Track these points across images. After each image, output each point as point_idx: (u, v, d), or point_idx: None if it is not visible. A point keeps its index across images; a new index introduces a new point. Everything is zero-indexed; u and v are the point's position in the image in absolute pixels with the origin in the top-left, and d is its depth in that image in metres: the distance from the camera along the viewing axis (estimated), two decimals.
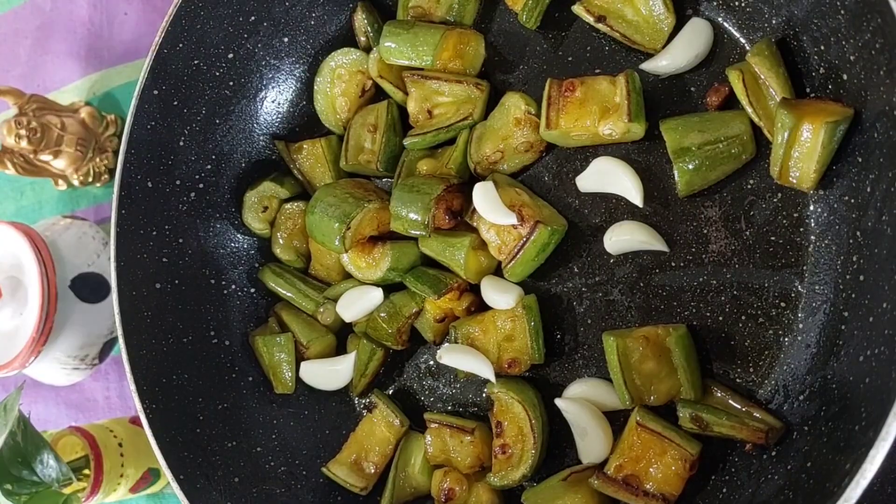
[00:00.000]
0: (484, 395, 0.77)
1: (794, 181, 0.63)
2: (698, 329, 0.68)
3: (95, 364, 0.97)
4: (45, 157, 0.99)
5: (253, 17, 0.82)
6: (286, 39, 0.85)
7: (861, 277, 0.59)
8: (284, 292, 0.83)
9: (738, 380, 0.67)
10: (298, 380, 0.82)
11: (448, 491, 0.72)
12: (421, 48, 0.75)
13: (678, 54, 0.69)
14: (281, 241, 0.85)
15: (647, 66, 0.71)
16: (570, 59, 0.75)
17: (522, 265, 0.72)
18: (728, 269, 0.68)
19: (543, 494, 0.68)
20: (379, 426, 0.78)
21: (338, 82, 0.83)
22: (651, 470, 0.65)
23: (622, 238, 0.70)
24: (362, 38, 0.83)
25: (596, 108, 0.69)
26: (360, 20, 0.82)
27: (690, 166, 0.66)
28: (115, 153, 0.96)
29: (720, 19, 0.70)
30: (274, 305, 0.85)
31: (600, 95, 0.69)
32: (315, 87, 0.84)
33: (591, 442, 0.69)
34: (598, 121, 0.69)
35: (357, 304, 0.79)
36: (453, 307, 0.76)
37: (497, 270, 0.75)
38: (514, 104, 0.74)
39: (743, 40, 0.69)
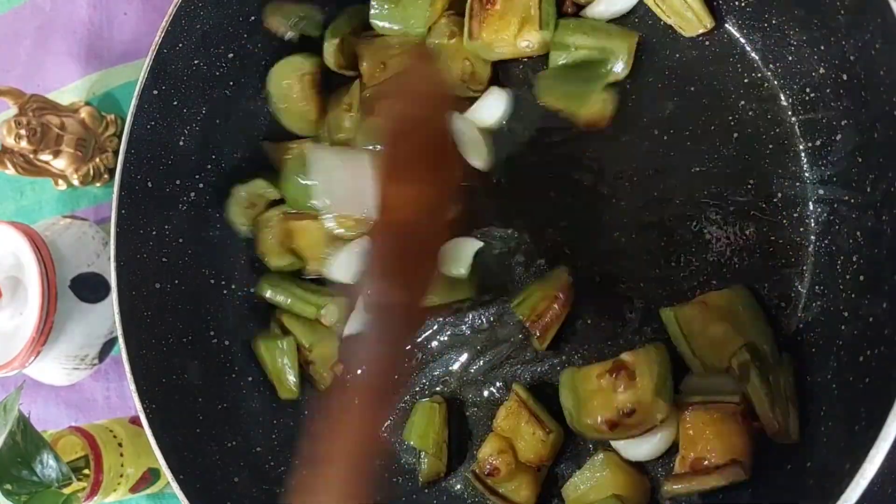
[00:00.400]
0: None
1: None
2: None
3: (95, 364, 0.97)
4: (45, 157, 0.98)
5: (253, 17, 0.82)
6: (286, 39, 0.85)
7: (861, 277, 0.59)
8: (284, 300, 0.83)
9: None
10: (303, 384, 0.81)
11: (493, 469, 0.70)
12: (412, 20, 0.77)
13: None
14: (268, 245, 0.84)
15: (587, 11, 0.73)
16: None
17: None
18: (728, 269, 0.68)
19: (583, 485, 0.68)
20: None
21: (289, 92, 0.83)
22: (710, 445, 0.63)
23: None
24: (291, 34, 0.83)
25: (515, 20, 0.71)
26: (277, 21, 0.82)
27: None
28: (115, 153, 0.96)
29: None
30: (275, 310, 0.85)
31: (519, 7, 0.72)
32: (273, 109, 0.84)
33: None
34: (516, 33, 0.71)
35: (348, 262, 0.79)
36: None
37: None
38: None
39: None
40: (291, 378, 0.81)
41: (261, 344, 0.82)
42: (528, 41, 0.72)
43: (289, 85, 0.83)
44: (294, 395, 0.82)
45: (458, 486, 0.76)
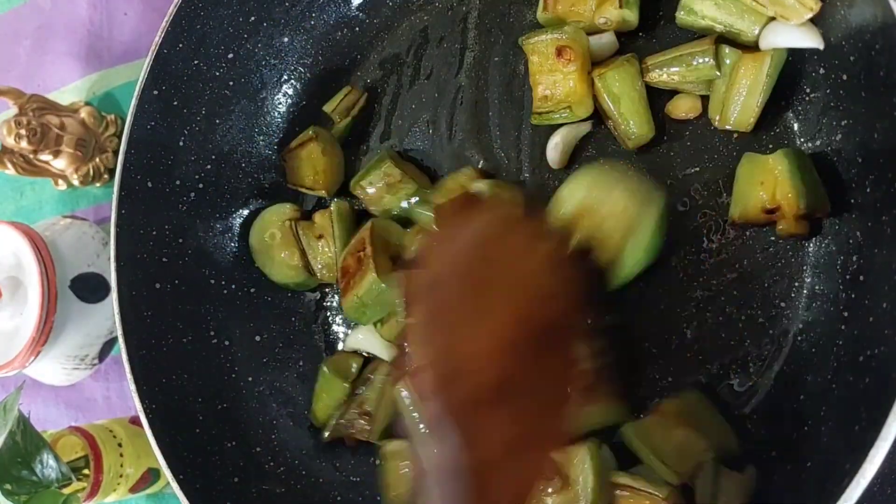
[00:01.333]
0: None
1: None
2: (697, 330, 0.68)
3: (95, 364, 0.97)
4: (45, 157, 0.98)
5: (253, 17, 0.82)
6: (286, 39, 0.85)
7: (861, 277, 0.59)
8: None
9: (737, 380, 0.67)
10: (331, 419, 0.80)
11: None
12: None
13: None
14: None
15: None
16: None
17: None
18: (728, 269, 0.68)
19: None
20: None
21: (272, 242, 0.83)
22: None
23: None
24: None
25: None
26: None
27: None
28: (115, 153, 0.96)
29: None
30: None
31: None
32: (256, 259, 0.84)
33: None
34: (595, 8, 0.69)
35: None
36: None
37: None
38: None
39: None
40: (323, 412, 0.81)
41: (324, 368, 0.81)
42: (606, 18, 0.69)
43: (272, 234, 0.83)
44: (319, 423, 0.81)
45: None
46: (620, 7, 0.68)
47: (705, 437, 0.64)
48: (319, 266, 0.82)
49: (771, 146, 0.67)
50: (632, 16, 0.69)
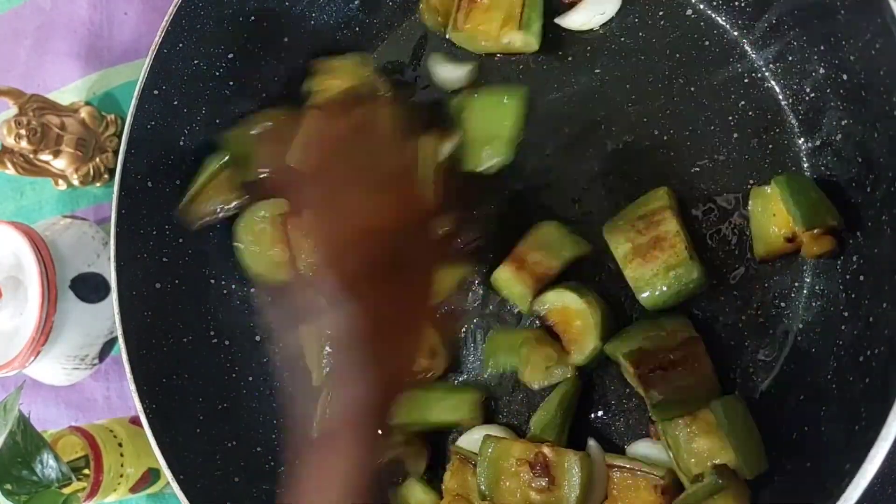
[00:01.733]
0: None
1: None
2: (697, 329, 0.68)
3: (95, 364, 0.97)
4: (45, 157, 0.99)
5: (253, 17, 0.82)
6: (286, 39, 0.85)
7: (861, 277, 0.59)
8: None
9: (738, 380, 0.67)
10: None
11: None
12: None
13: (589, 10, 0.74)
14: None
15: (560, 20, 0.75)
16: None
17: None
18: (728, 270, 0.68)
19: None
20: None
21: (262, 237, 0.82)
22: None
23: None
24: None
25: (498, 16, 0.74)
26: None
27: None
28: (115, 153, 0.96)
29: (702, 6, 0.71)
30: None
31: (504, 4, 0.74)
32: (243, 257, 0.83)
33: None
34: (499, 29, 0.74)
35: None
36: None
37: None
38: None
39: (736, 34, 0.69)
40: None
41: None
42: (511, 39, 0.74)
43: (262, 230, 0.82)
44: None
45: None
46: (520, 29, 0.73)
47: (728, 448, 0.62)
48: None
49: (771, 146, 0.67)
50: (532, 40, 0.74)
